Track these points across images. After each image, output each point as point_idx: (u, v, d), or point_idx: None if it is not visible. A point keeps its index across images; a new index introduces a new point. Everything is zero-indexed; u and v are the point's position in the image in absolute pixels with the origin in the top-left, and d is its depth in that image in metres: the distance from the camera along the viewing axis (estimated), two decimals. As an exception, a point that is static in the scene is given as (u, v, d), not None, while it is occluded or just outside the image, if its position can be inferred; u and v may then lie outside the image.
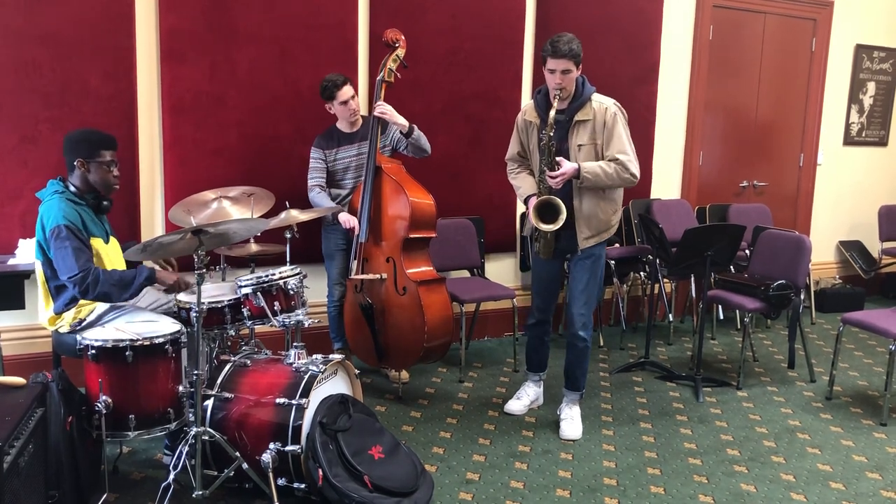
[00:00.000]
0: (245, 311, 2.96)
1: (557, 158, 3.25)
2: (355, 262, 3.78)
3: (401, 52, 3.77)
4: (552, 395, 3.87)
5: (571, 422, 3.54)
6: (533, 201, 3.35)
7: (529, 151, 3.49)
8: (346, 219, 3.77)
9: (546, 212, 3.29)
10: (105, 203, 3.03)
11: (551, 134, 3.25)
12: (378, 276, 3.73)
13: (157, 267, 3.25)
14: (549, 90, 3.29)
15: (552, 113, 3.22)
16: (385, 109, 3.71)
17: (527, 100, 4.73)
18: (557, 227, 3.25)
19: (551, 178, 3.24)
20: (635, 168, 3.28)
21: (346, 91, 3.80)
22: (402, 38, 3.78)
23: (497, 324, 5.00)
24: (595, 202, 3.36)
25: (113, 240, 3.08)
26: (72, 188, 2.95)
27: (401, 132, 3.81)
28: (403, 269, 3.67)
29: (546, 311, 3.64)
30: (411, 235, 3.68)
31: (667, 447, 3.43)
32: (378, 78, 3.78)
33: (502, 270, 4.99)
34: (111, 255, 2.99)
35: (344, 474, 2.66)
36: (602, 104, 3.30)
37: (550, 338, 3.76)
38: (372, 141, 3.74)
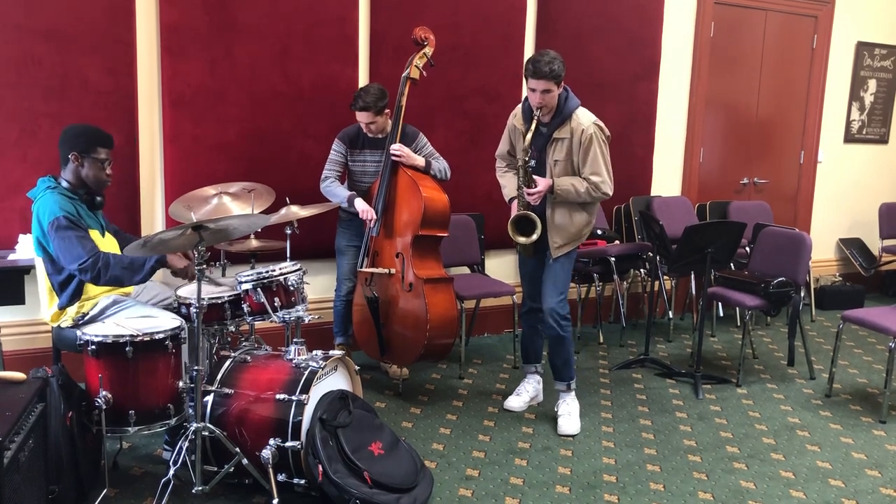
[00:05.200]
0: (245, 307, 2.96)
1: (534, 177, 3.35)
2: (366, 255, 3.79)
3: (429, 50, 3.77)
4: (552, 391, 3.86)
5: (569, 417, 3.55)
6: (514, 207, 3.46)
7: (516, 154, 3.56)
8: (363, 208, 3.73)
9: (523, 225, 3.41)
10: (98, 199, 3.02)
11: (526, 158, 3.34)
12: (386, 270, 3.73)
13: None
14: None
15: (529, 135, 3.30)
16: (401, 151, 3.71)
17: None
18: (532, 240, 3.39)
19: (529, 195, 3.35)
20: (608, 188, 3.39)
21: (360, 115, 3.74)
22: (432, 36, 3.78)
23: (497, 320, 5.00)
24: (567, 214, 3.44)
25: (109, 235, 3.07)
26: (64, 183, 2.93)
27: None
28: (411, 265, 3.66)
29: (536, 299, 3.70)
30: (422, 233, 3.67)
31: (666, 444, 3.44)
32: (404, 74, 3.76)
33: (502, 267, 4.99)
34: (107, 249, 2.97)
35: (344, 470, 2.66)
36: (580, 125, 3.33)
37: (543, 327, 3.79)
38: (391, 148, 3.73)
